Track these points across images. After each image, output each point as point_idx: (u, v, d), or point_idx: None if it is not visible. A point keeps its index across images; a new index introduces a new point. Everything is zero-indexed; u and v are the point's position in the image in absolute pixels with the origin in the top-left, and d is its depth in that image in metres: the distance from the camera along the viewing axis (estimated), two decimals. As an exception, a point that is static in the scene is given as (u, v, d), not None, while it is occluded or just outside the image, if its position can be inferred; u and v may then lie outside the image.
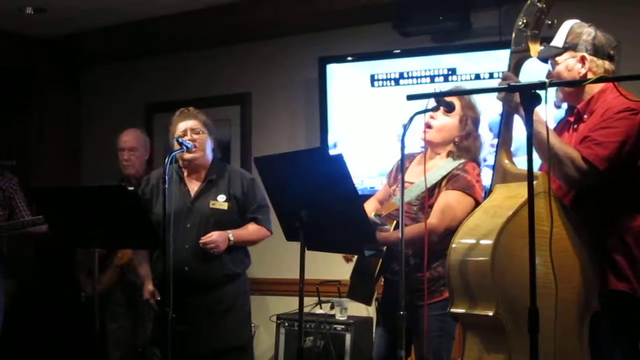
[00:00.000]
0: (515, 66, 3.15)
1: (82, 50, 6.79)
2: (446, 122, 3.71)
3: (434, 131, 3.72)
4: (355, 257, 3.81)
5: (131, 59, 6.82)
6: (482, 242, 2.92)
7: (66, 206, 3.92)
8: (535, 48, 3.09)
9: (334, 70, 5.66)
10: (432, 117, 3.70)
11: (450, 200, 3.61)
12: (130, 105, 6.75)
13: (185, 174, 4.33)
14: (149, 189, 4.34)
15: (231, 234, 4.17)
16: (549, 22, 3.14)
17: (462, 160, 3.71)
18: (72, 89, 7.14)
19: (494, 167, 3.23)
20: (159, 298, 4.26)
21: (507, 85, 2.93)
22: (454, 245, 3.03)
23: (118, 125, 6.52)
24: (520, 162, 3.17)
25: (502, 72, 3.15)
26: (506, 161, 3.17)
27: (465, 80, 5.22)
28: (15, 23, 6.21)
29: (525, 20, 3.07)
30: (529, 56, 3.12)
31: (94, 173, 6.81)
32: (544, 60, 3.26)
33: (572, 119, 3.26)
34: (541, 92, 2.63)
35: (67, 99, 7.08)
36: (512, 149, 3.22)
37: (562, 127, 3.30)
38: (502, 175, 3.16)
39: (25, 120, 6.83)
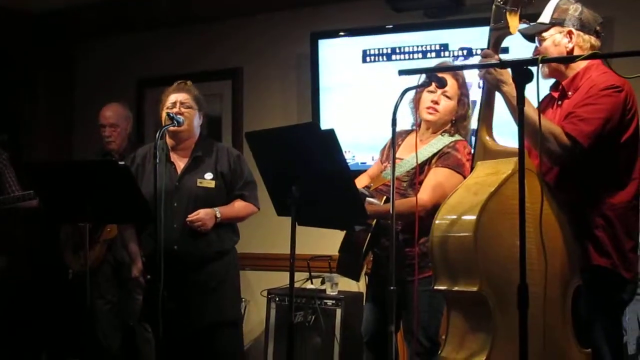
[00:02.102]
0: (495, 43, 3.17)
1: (75, 25, 6.74)
2: (448, 105, 3.73)
3: (440, 114, 3.74)
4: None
5: (124, 34, 6.77)
6: (465, 218, 2.94)
7: (58, 181, 3.91)
8: (514, 25, 3.10)
9: (325, 46, 5.63)
10: (434, 102, 3.71)
11: (439, 177, 3.63)
12: (123, 80, 6.72)
13: (171, 151, 4.29)
14: (134, 168, 4.28)
15: (218, 211, 4.17)
16: None
17: (454, 138, 3.72)
18: (64, 64, 7.10)
19: (475, 144, 3.24)
20: (148, 276, 4.25)
21: (490, 63, 2.95)
22: (436, 222, 3.05)
23: (110, 100, 6.51)
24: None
25: (482, 49, 3.17)
26: (487, 138, 3.19)
27: (458, 56, 5.20)
28: (6, -2, 6.18)
29: None
30: (509, 33, 3.13)
31: (86, 148, 6.77)
32: (531, 38, 3.27)
33: (556, 95, 3.27)
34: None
35: (59, 74, 7.04)
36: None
37: (547, 103, 3.32)
38: (483, 152, 3.18)
39: (17, 95, 6.80)
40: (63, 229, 5.45)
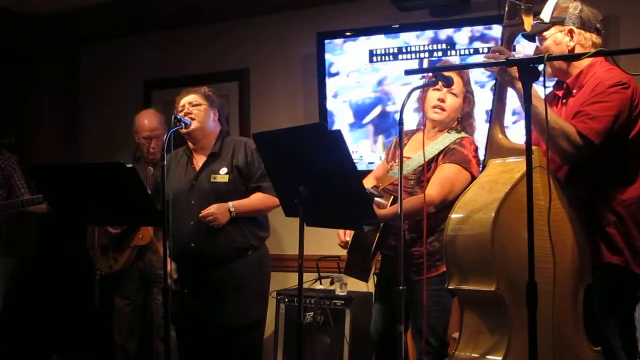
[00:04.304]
0: (508, 40, 3.16)
1: (81, 27, 6.76)
2: (454, 102, 3.74)
3: (447, 112, 3.74)
4: (352, 233, 3.81)
5: (130, 36, 6.78)
6: (481, 216, 2.93)
7: (66, 183, 3.92)
8: (528, 21, 3.09)
9: (332, 46, 5.63)
10: (441, 100, 3.71)
11: (447, 173, 3.64)
12: (129, 83, 6.73)
13: (193, 150, 4.33)
14: (159, 172, 4.31)
15: (232, 206, 4.15)
16: None
17: (460, 135, 3.72)
18: (70, 66, 7.11)
19: (487, 142, 3.24)
20: (176, 276, 4.27)
21: (502, 60, 2.94)
22: (451, 220, 3.04)
23: (117, 102, 6.54)
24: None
25: (492, 46, 3.16)
26: (499, 135, 3.19)
27: (464, 55, 5.20)
28: (12, 1, 6.17)
29: None
30: (523, 30, 3.12)
31: (93, 150, 6.82)
32: (531, 37, 3.27)
33: (560, 94, 3.27)
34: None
35: (65, 76, 7.06)
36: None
37: (550, 101, 3.31)
38: (496, 149, 3.18)
39: (24, 98, 6.81)
40: (90, 231, 5.40)
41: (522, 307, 2.67)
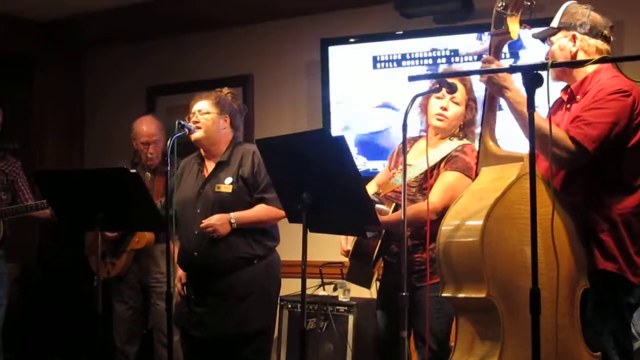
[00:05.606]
0: (496, 49, 3.18)
1: (84, 33, 6.78)
2: (457, 111, 3.74)
3: (449, 120, 3.74)
4: (354, 240, 3.81)
5: (133, 42, 6.80)
6: (471, 223, 2.94)
7: (70, 189, 3.93)
8: (515, 30, 3.11)
9: (335, 52, 5.64)
10: (443, 108, 3.71)
11: (449, 180, 3.64)
12: (132, 88, 6.75)
13: (205, 157, 4.29)
14: (175, 179, 4.28)
15: (233, 217, 4.10)
16: (528, 3, 3.14)
17: (462, 142, 3.73)
18: (74, 72, 7.13)
19: (478, 150, 3.25)
20: (184, 281, 4.26)
21: (499, 68, 2.96)
22: (443, 229, 3.05)
23: (120, 108, 6.55)
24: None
25: (483, 55, 3.18)
26: (490, 143, 3.19)
27: (468, 61, 5.20)
28: (16, 6, 6.20)
29: (504, 2, 3.10)
30: (510, 38, 3.15)
31: (97, 156, 6.83)
32: (542, 40, 3.29)
33: (565, 98, 3.27)
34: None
35: (69, 82, 7.08)
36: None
37: (557, 106, 3.31)
38: (487, 157, 3.19)
39: (28, 104, 6.83)
40: (88, 236, 5.42)
41: (514, 313, 2.69)
